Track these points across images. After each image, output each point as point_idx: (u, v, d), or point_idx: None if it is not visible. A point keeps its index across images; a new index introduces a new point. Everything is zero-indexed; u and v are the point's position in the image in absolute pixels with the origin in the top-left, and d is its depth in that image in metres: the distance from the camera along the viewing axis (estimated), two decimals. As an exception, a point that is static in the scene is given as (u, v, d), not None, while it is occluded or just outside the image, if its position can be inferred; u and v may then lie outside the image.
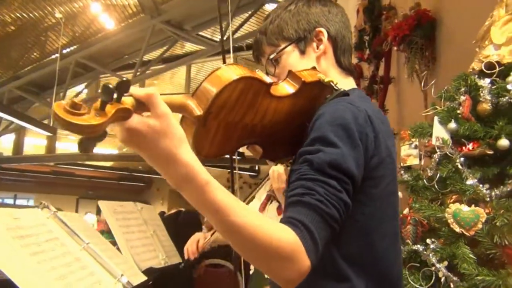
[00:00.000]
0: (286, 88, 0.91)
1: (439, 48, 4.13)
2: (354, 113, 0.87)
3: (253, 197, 2.28)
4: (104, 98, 0.61)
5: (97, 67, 9.72)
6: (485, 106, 1.47)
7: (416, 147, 1.68)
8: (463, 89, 1.55)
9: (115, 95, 0.62)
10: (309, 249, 0.72)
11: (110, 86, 0.61)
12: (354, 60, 7.47)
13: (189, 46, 10.64)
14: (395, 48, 4.44)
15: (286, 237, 0.72)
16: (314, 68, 0.98)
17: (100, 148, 12.62)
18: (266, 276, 1.94)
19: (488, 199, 1.36)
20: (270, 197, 2.05)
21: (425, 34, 4.16)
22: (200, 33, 9.51)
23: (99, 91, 0.62)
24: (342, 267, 0.86)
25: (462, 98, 1.50)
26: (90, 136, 0.61)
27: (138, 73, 9.43)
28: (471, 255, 1.29)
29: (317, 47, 1.04)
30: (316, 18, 1.04)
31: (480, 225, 1.32)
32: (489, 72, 1.50)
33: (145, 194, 16.41)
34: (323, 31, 1.03)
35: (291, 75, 0.93)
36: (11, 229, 0.98)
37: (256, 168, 13.89)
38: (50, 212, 1.19)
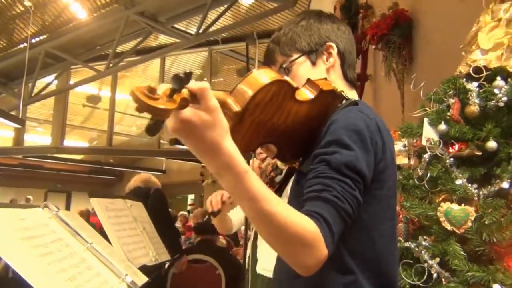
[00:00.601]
0: (306, 93, 0.98)
1: (416, 48, 4.24)
2: (366, 121, 0.96)
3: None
4: (175, 86, 0.66)
5: (68, 58, 9.45)
6: (473, 109, 1.53)
7: (405, 146, 1.73)
8: (451, 92, 1.61)
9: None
10: (327, 240, 0.79)
11: (182, 75, 0.66)
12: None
13: (163, 38, 10.49)
14: (373, 46, 4.53)
15: (309, 226, 0.78)
16: (325, 79, 1.05)
17: (71, 141, 12.34)
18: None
19: (476, 198, 1.43)
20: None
21: (402, 33, 4.26)
22: (175, 25, 9.41)
23: (171, 78, 0.66)
24: (347, 261, 0.93)
25: (452, 100, 1.56)
26: (159, 120, 0.66)
27: (111, 65, 9.24)
28: (461, 252, 1.35)
29: (327, 60, 1.11)
30: (327, 33, 1.11)
31: (469, 223, 1.38)
32: (476, 76, 1.55)
33: (116, 187, 16.13)
34: (333, 46, 1.11)
35: (310, 82, 1.00)
36: (19, 230, 0.96)
37: (230, 162, 13.86)
38: (51, 212, 1.17)
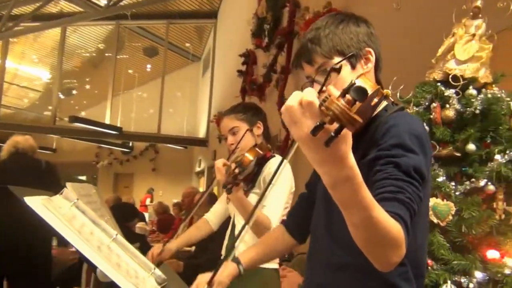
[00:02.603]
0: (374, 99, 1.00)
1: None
2: (422, 128, 1.04)
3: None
4: (358, 99, 0.67)
5: (-51, 15, 8.20)
6: (449, 113, 1.69)
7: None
8: (429, 96, 1.75)
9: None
10: (406, 239, 0.84)
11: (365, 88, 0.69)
12: (251, 47, 7.63)
13: (64, 5, 9.62)
14: (305, 41, 4.68)
15: (399, 230, 0.83)
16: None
17: None
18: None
19: (453, 195, 1.59)
20: (235, 185, 2.04)
21: (334, 32, 4.46)
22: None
23: (355, 90, 0.67)
24: None
25: (434, 104, 1.70)
26: (341, 129, 0.66)
27: (3, 29, 8.23)
28: (445, 243, 1.50)
29: (365, 64, 1.13)
30: (365, 38, 1.12)
31: (450, 217, 1.53)
32: (454, 84, 1.71)
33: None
34: (372, 52, 1.13)
35: (361, 81, 0.99)
36: (69, 220, 0.85)
37: (130, 144, 13.34)
38: (70, 201, 1.04)
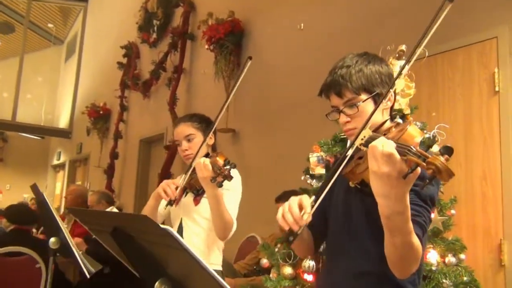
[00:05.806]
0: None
1: (243, 56, 4.74)
2: None
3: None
4: (448, 154, 0.83)
5: None
6: (381, 138, 2.04)
7: (322, 159, 2.11)
8: (365, 121, 2.07)
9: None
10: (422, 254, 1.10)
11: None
12: (134, 39, 7.38)
13: None
14: (206, 46, 4.81)
15: (420, 247, 1.07)
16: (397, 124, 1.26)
17: None
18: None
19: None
20: (184, 190, 2.07)
21: (235, 41, 4.70)
22: None
23: (447, 148, 0.83)
24: None
25: (371, 130, 2.02)
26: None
27: None
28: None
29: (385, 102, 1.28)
30: (386, 78, 1.29)
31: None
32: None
33: None
34: (392, 92, 1.28)
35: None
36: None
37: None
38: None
